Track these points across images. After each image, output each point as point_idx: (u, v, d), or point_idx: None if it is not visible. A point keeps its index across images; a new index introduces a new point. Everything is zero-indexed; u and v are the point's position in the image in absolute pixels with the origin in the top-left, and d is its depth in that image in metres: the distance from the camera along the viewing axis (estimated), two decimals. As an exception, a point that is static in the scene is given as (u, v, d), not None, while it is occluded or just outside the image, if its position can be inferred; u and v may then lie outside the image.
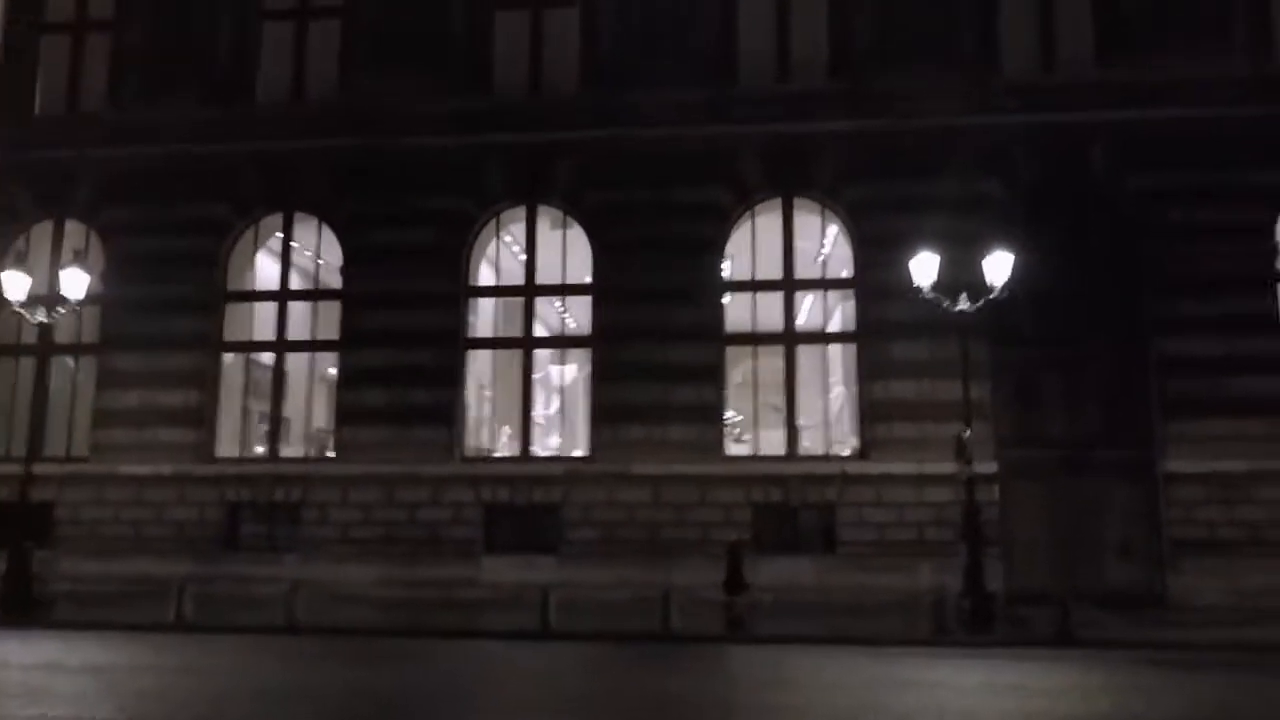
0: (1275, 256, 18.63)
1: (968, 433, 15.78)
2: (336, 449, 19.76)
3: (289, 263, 20.75)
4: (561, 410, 22.64)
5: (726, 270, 19.83)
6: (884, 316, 18.49)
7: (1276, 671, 11.46)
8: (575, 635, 14.20)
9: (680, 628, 14.60)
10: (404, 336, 19.41)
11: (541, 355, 21.17)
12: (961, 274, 16.59)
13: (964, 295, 15.97)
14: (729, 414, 20.52)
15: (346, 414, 19.62)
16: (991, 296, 16.02)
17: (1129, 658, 12.17)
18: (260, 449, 20.32)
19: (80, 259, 18.48)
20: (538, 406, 21.36)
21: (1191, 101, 18.66)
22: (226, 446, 20.14)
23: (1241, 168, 18.47)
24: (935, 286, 16.32)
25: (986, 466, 18.10)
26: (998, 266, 15.88)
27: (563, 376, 23.01)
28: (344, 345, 19.92)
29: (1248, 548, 17.49)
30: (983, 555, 15.40)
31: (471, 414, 20.38)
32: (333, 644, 13.44)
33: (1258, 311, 18.21)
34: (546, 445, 21.55)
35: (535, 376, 21.02)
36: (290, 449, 20.46)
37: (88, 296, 18.20)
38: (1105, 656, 12.34)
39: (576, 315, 21.88)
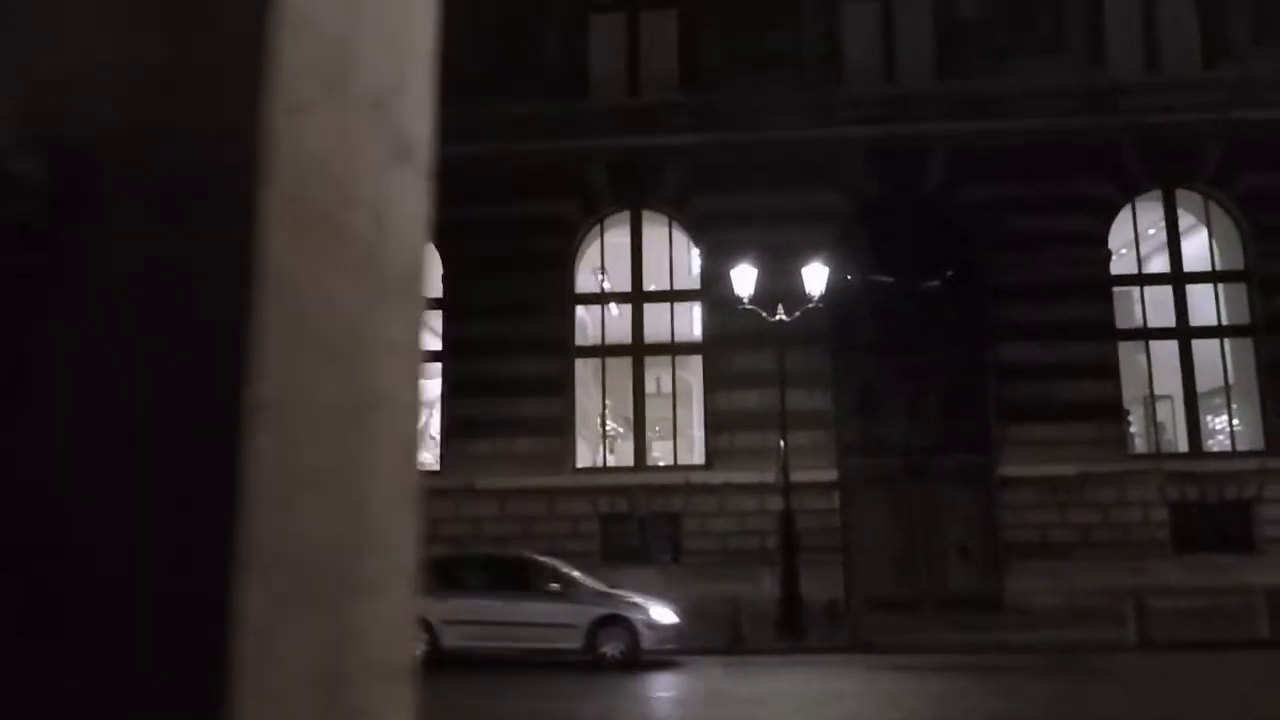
0: (1108, 264, 19.07)
1: (782, 443, 15.97)
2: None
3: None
4: (426, 425, 22.59)
5: (580, 283, 19.97)
6: (728, 328, 18.68)
7: (1045, 674, 11.69)
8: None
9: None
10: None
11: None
12: (789, 285, 16.86)
13: (780, 305, 16.15)
14: (611, 425, 20.67)
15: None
16: (809, 306, 16.25)
17: (895, 662, 12.46)
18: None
19: None
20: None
21: (1026, 113, 19.09)
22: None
23: (1074, 178, 18.92)
24: (756, 297, 16.53)
25: (828, 474, 18.42)
26: (815, 277, 16.12)
27: (428, 392, 22.97)
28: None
29: (1079, 549, 17.87)
30: (798, 562, 15.58)
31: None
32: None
33: (1090, 318, 18.64)
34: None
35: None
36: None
37: None
38: (874, 661, 12.66)
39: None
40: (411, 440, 1.21)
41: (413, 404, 1.23)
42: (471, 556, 14.91)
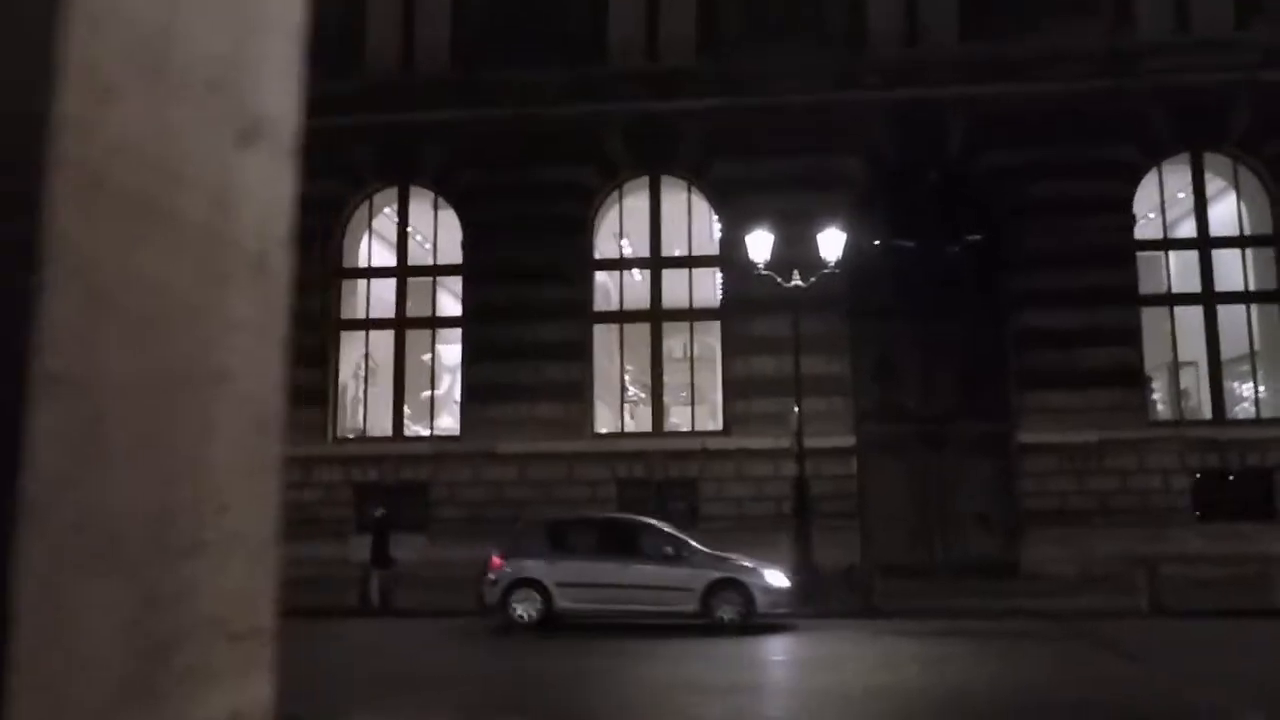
0: (1132, 229, 18.81)
1: (796, 409, 15.97)
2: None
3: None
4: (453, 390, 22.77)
5: (600, 248, 19.99)
6: (746, 293, 18.59)
7: (1049, 640, 11.72)
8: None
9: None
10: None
11: (418, 336, 21.10)
12: (807, 250, 16.77)
13: (795, 271, 16.09)
14: (630, 390, 20.75)
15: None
16: (825, 272, 16.17)
17: (902, 628, 12.57)
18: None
19: None
20: (429, 387, 21.48)
21: (1051, 77, 18.78)
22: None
23: (1099, 142, 18.63)
24: (774, 263, 16.47)
25: (845, 440, 18.42)
26: (831, 243, 16.03)
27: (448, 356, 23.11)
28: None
29: (1096, 517, 17.79)
30: (813, 528, 15.63)
31: (350, 395, 20.54)
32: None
33: (1113, 284, 18.41)
34: (439, 425, 21.67)
35: (423, 358, 21.20)
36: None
37: None
38: (882, 626, 12.80)
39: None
40: (264, 412, 1.25)
41: (266, 378, 1.27)
42: (583, 519, 15.15)
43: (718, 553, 14.09)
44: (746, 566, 13.51)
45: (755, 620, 12.84)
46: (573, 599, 13.27)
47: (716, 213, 19.47)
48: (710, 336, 20.05)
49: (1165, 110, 18.62)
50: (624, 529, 14.31)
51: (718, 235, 19.65)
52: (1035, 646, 10.93)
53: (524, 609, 13.29)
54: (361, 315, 20.49)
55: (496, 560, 13.73)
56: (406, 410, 20.71)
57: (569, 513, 16.01)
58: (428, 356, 21.56)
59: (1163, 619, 13.16)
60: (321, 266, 19.95)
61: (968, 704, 8.15)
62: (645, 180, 19.84)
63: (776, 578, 13.40)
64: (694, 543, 14.07)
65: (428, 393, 20.89)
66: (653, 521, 14.63)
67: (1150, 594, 13.75)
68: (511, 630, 13.09)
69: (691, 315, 19.85)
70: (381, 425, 20.12)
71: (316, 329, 19.74)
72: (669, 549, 13.59)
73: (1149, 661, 9.97)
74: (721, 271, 19.28)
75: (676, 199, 19.85)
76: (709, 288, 19.65)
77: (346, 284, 20.39)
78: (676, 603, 13.05)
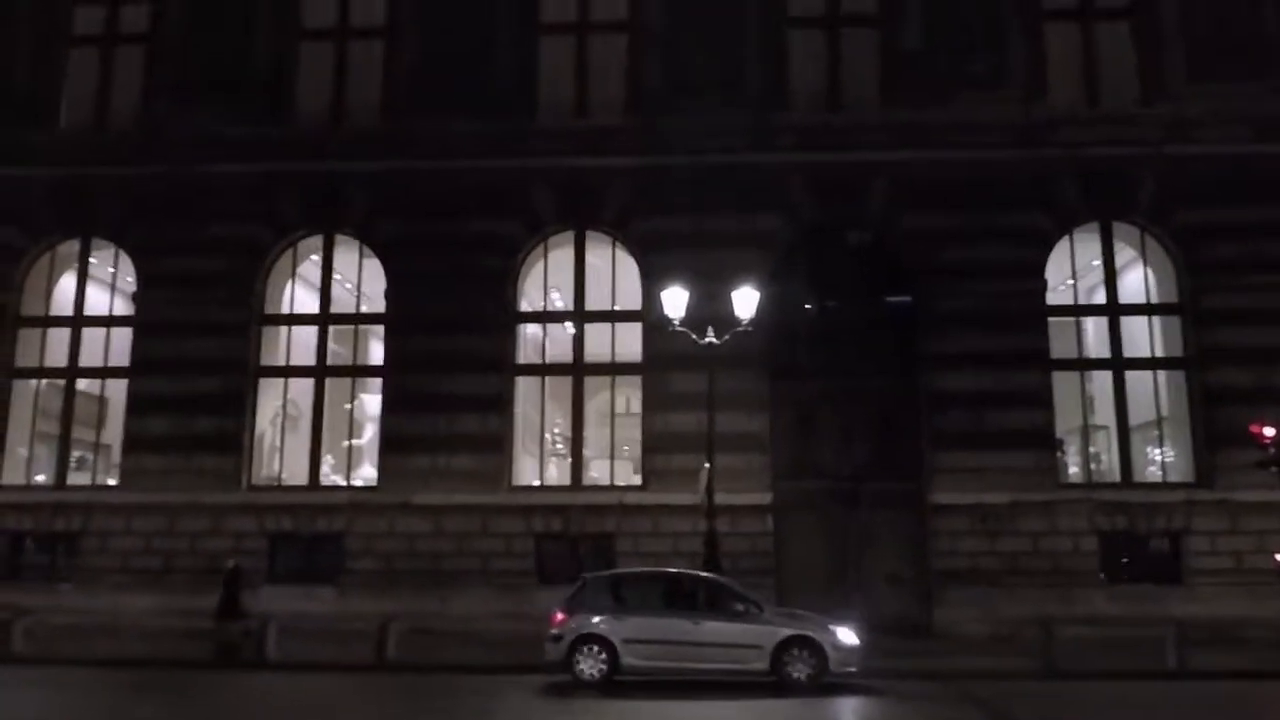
0: (1044, 294, 19.25)
1: (707, 465, 16.05)
2: (121, 477, 19.53)
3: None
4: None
5: (524, 301, 20.05)
6: (667, 349, 18.61)
7: (932, 701, 11.77)
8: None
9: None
10: (191, 365, 19.29)
11: (338, 385, 20.88)
12: (727, 308, 16.96)
13: (710, 328, 16.26)
14: (551, 443, 20.67)
15: (134, 441, 19.42)
16: (739, 330, 16.36)
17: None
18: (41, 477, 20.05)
19: None
20: (355, 436, 21.25)
21: (967, 145, 19.32)
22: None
23: (1012, 209, 19.15)
24: (693, 320, 16.63)
25: (762, 497, 18.50)
26: (745, 301, 16.23)
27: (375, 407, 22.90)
28: (133, 372, 19.76)
29: (1007, 577, 17.96)
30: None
31: (268, 442, 20.27)
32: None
33: (1025, 347, 18.79)
34: (359, 475, 21.40)
35: (346, 407, 21.02)
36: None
37: None
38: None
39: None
40: None
41: None
42: (648, 574, 14.80)
43: (788, 610, 13.87)
44: (818, 622, 13.34)
45: (826, 679, 12.58)
46: (639, 656, 12.96)
47: (640, 268, 19.63)
48: (632, 391, 20.11)
49: (1075, 180, 19.21)
50: (690, 584, 14.04)
51: (641, 291, 19.81)
52: (913, 709, 10.97)
53: (589, 666, 12.95)
54: (282, 362, 20.28)
55: (560, 616, 13.41)
56: (330, 459, 20.47)
57: (634, 568, 15.64)
58: (352, 405, 21.38)
59: (1056, 681, 13.27)
60: (241, 312, 19.82)
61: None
62: (570, 235, 19.98)
63: (847, 635, 13.17)
64: (762, 599, 13.87)
65: (351, 441, 20.68)
66: (718, 577, 14.43)
67: (1045, 656, 13.86)
68: (578, 689, 12.63)
69: (614, 369, 19.90)
70: (299, 474, 19.85)
71: (233, 374, 19.55)
72: (738, 605, 13.37)
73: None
74: (644, 327, 19.39)
75: (601, 254, 20.02)
76: (632, 342, 19.75)
77: (267, 330, 20.20)
78: (747, 660, 12.80)
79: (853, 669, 12.89)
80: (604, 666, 12.91)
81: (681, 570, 15.28)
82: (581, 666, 12.97)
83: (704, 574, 14.63)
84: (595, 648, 13.00)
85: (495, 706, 11.44)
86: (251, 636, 15.04)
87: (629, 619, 13.13)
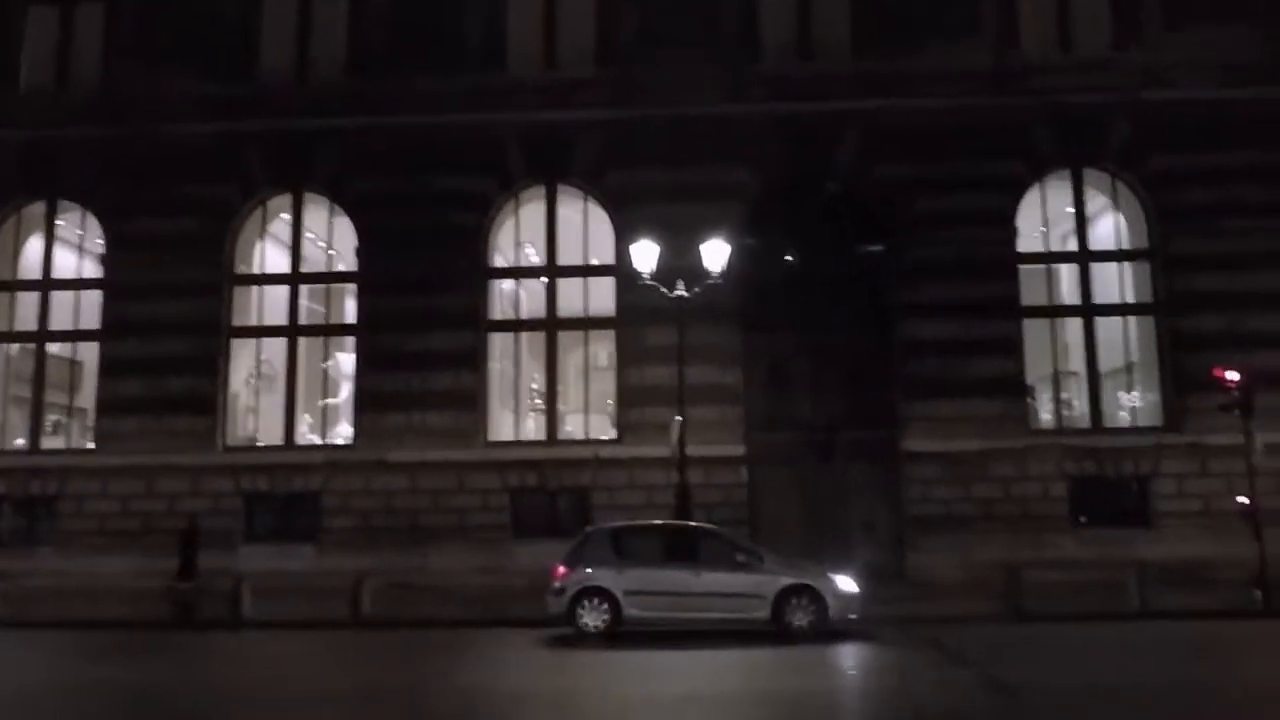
0: (1014, 241, 19.26)
1: (678, 419, 16.12)
2: (96, 440, 19.52)
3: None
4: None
5: (496, 257, 19.98)
6: (640, 303, 18.56)
7: (896, 645, 11.96)
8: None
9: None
10: (163, 326, 19.20)
11: (312, 344, 20.81)
12: (699, 260, 16.93)
13: (680, 281, 16.25)
14: (527, 398, 20.68)
15: (108, 404, 19.38)
16: (708, 282, 16.35)
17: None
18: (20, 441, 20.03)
19: None
20: (331, 395, 21.24)
21: (939, 93, 19.21)
22: None
23: (984, 157, 19.08)
24: (665, 273, 16.61)
25: (735, 449, 18.62)
26: (714, 254, 16.21)
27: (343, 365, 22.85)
28: (104, 335, 19.66)
29: (979, 523, 18.15)
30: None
31: (242, 403, 20.26)
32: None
33: (996, 295, 18.85)
34: (336, 434, 21.45)
35: (324, 365, 20.98)
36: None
37: None
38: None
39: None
40: None
41: None
42: (649, 526, 14.84)
43: (788, 559, 13.99)
44: (819, 571, 13.45)
45: (828, 627, 12.71)
46: (642, 608, 13.09)
47: (612, 222, 19.55)
48: (606, 345, 20.11)
49: (1047, 127, 19.15)
50: (690, 536, 14.16)
51: (614, 245, 19.74)
52: (878, 653, 11.17)
53: (592, 618, 13.09)
54: (254, 322, 20.20)
55: (561, 569, 13.51)
56: (307, 419, 20.49)
57: (633, 520, 15.59)
58: (329, 364, 21.34)
59: (1022, 625, 13.49)
60: (212, 272, 19.71)
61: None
62: (542, 190, 19.86)
63: (847, 583, 13.29)
64: (763, 549, 13.99)
65: (327, 400, 20.68)
66: (717, 528, 14.57)
67: (1011, 600, 14.07)
68: (582, 640, 12.79)
69: (587, 324, 19.90)
70: (274, 434, 19.86)
71: (205, 335, 19.48)
72: (739, 555, 13.48)
73: (979, 666, 10.22)
74: (617, 281, 19.35)
75: (573, 208, 19.92)
76: (605, 297, 19.72)
77: (239, 290, 20.10)
78: (748, 610, 12.94)
79: (853, 616, 13.06)
80: (607, 618, 13.08)
81: (682, 522, 15.38)
82: (585, 619, 13.13)
83: (705, 525, 14.78)
84: (598, 600, 13.17)
85: (507, 657, 11.56)
86: (203, 596, 15.15)
87: (630, 571, 13.26)
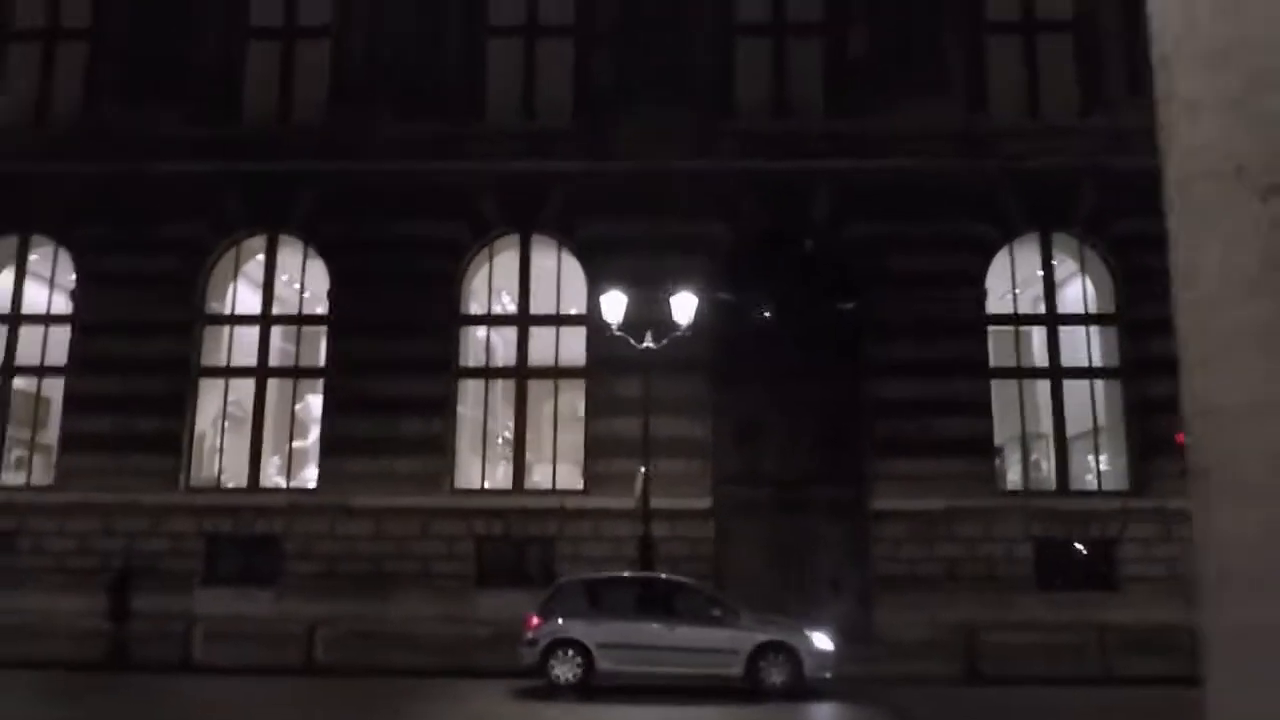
0: (984, 302, 19.45)
1: (642, 470, 16.08)
2: (56, 477, 19.28)
3: None
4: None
5: (468, 304, 20.01)
6: (610, 354, 18.63)
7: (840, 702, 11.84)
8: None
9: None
10: (131, 364, 19.08)
11: (283, 385, 20.73)
12: (667, 313, 17.02)
13: (649, 333, 16.31)
14: (495, 446, 20.58)
15: (70, 440, 19.18)
16: (676, 335, 16.42)
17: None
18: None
19: None
20: (300, 437, 21.10)
21: (910, 154, 19.47)
22: None
23: (954, 219, 19.32)
24: (634, 324, 16.67)
25: (702, 502, 18.55)
26: (683, 306, 16.30)
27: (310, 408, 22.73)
28: (71, 371, 19.50)
29: (945, 583, 18.11)
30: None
31: (208, 443, 20.09)
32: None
33: (966, 355, 18.98)
34: (302, 477, 21.25)
35: (297, 408, 20.88)
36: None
37: None
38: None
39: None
40: None
41: None
42: (622, 579, 14.70)
43: (763, 615, 13.84)
44: (794, 628, 13.30)
45: (803, 686, 12.54)
46: (615, 660, 12.94)
47: (585, 272, 19.63)
48: (577, 395, 20.11)
49: (1016, 191, 19.44)
50: (664, 588, 14.03)
51: (586, 295, 19.81)
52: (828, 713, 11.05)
53: (565, 670, 12.91)
54: (224, 363, 20.10)
55: (534, 620, 13.33)
56: (275, 461, 20.33)
57: (607, 572, 15.56)
58: (299, 406, 21.23)
59: (982, 687, 13.41)
60: (183, 311, 19.64)
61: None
62: (516, 238, 19.96)
63: (822, 640, 13.17)
64: (737, 604, 13.85)
65: (294, 444, 20.52)
66: (692, 581, 14.44)
67: (967, 661, 14.01)
68: (554, 693, 12.61)
69: (557, 373, 19.90)
70: (240, 475, 19.68)
71: (173, 374, 19.36)
72: (715, 610, 13.33)
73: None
74: (588, 331, 19.39)
75: (548, 257, 20.01)
76: (577, 347, 19.75)
77: (210, 330, 20.02)
78: (722, 665, 12.78)
79: (828, 674, 12.92)
80: (580, 670, 12.93)
81: (656, 574, 15.26)
82: (558, 671, 12.99)
83: (679, 578, 14.66)
84: (571, 652, 13.04)
85: (480, 709, 11.41)
86: (151, 638, 14.98)
87: (604, 623, 13.14)
